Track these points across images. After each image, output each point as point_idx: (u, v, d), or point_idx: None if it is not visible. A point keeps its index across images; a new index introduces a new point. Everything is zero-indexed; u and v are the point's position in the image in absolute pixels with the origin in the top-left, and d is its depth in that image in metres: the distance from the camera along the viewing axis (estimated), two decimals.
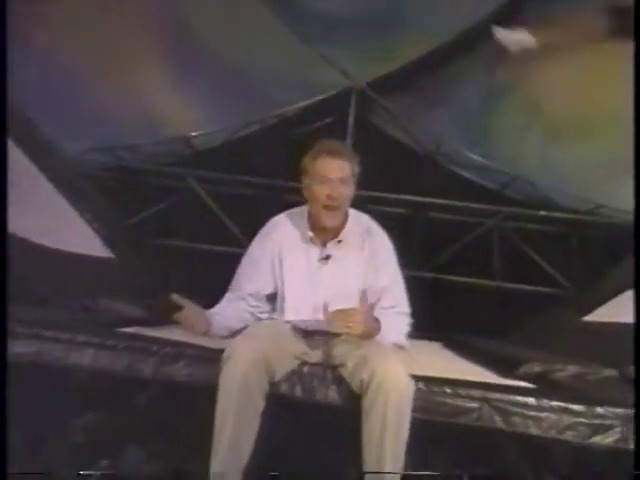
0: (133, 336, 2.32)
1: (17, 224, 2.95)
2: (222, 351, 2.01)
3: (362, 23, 5.52)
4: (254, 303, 2.30)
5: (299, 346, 2.17)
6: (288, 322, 2.25)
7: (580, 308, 3.98)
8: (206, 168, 5.78)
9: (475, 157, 5.83)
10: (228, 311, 2.24)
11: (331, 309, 2.07)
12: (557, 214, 5.70)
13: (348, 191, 2.26)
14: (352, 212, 2.41)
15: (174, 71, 5.66)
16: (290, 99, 5.78)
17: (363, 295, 2.10)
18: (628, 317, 3.21)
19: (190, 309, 2.08)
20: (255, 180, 5.81)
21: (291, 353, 2.11)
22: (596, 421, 1.92)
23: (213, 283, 3.28)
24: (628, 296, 3.53)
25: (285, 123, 5.85)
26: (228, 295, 2.32)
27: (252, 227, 5.73)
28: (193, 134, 5.82)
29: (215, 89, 5.69)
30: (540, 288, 5.51)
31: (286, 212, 2.43)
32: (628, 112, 5.41)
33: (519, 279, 5.59)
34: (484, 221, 5.76)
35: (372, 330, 2.11)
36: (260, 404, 1.94)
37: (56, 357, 2.09)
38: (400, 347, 2.24)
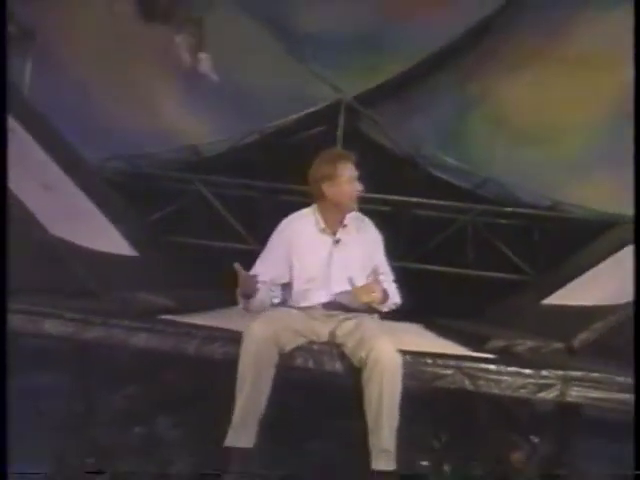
0: (175, 323, 2.56)
1: (59, 228, 3.10)
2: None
3: (349, 44, 5.77)
4: (272, 288, 2.56)
5: (307, 327, 2.45)
6: (300, 309, 2.52)
7: (539, 292, 4.14)
8: (212, 173, 5.94)
9: (451, 160, 5.98)
10: (260, 291, 2.50)
11: (347, 281, 2.45)
12: (522, 210, 5.88)
13: (356, 186, 2.60)
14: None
15: (183, 88, 5.91)
16: (286, 111, 5.92)
17: (375, 272, 2.46)
18: (580, 300, 3.45)
19: (245, 275, 2.37)
20: (256, 183, 5.97)
21: (298, 332, 2.39)
22: (541, 381, 2.21)
23: (219, 275, 3.54)
24: (579, 282, 3.81)
25: (282, 132, 5.96)
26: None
27: (254, 225, 6.02)
28: (200, 143, 5.98)
29: (219, 103, 5.89)
30: (507, 275, 5.69)
31: (296, 213, 2.71)
32: (583, 121, 5.77)
33: (489, 267, 5.74)
34: (459, 217, 5.93)
35: (385, 297, 2.48)
36: (271, 371, 2.23)
37: (121, 339, 2.36)
38: (396, 303, 2.62)
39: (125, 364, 2.96)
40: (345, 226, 2.63)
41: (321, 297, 2.54)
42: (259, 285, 2.45)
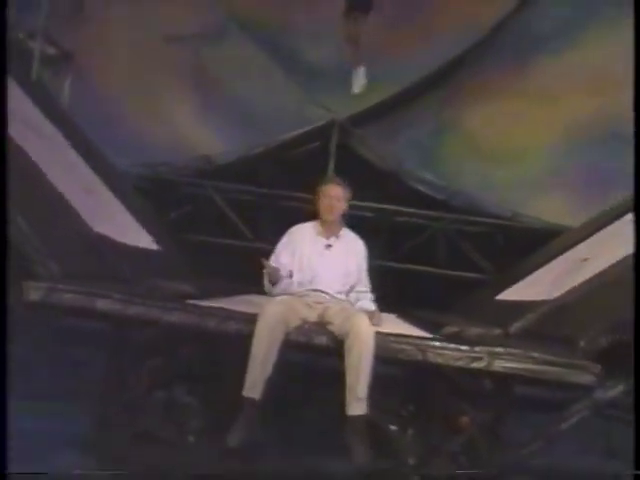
0: (198, 305, 2.82)
1: (100, 226, 3.38)
2: (253, 314, 2.63)
3: (342, 73, 5.99)
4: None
5: (303, 311, 2.79)
6: (299, 296, 2.88)
7: (495, 289, 4.31)
8: (222, 180, 6.06)
9: (427, 175, 6.08)
10: (282, 280, 2.93)
11: (333, 281, 2.86)
12: (486, 220, 6.02)
13: (342, 205, 3.02)
14: (344, 228, 3.16)
15: (199, 106, 6.12)
16: (287, 128, 6.06)
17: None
18: (523, 296, 3.75)
19: (273, 268, 2.85)
20: (259, 190, 6.13)
21: (298, 315, 2.73)
22: (473, 355, 2.49)
23: (225, 267, 3.78)
24: (526, 281, 4.05)
25: (283, 146, 6.06)
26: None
27: (257, 226, 6.27)
28: (212, 154, 6.07)
29: (230, 120, 6.12)
30: (471, 274, 5.81)
31: (304, 223, 3.14)
32: (540, 145, 6.04)
33: (457, 267, 5.89)
34: (432, 224, 6.08)
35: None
36: (279, 343, 2.56)
37: (157, 316, 2.60)
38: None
39: (152, 340, 3.11)
40: (338, 237, 3.04)
41: (310, 287, 2.91)
42: (281, 273, 2.86)
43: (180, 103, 6.08)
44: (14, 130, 3.19)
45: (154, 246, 4.20)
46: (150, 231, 4.38)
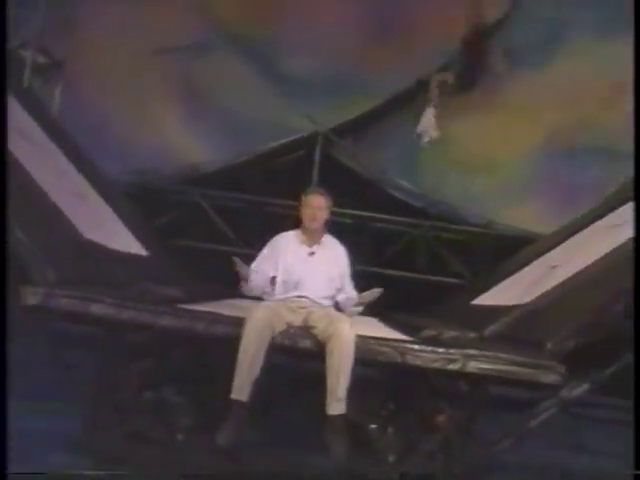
0: (188, 309, 2.89)
1: (90, 232, 3.43)
2: (240, 318, 2.69)
3: (325, 86, 6.13)
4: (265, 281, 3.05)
5: (288, 316, 2.85)
6: (283, 301, 2.94)
7: (470, 294, 4.39)
8: (208, 187, 6.16)
9: (407, 184, 6.26)
10: (255, 277, 3.00)
11: (317, 287, 2.96)
12: (463, 227, 6.17)
13: (324, 214, 3.10)
14: (326, 235, 3.22)
15: (186, 116, 6.19)
16: (272, 138, 6.22)
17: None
18: (497, 301, 3.86)
19: (241, 265, 2.94)
20: (244, 196, 6.21)
21: (283, 320, 2.80)
22: (449, 357, 2.57)
23: (212, 272, 3.82)
24: (499, 287, 4.17)
25: (269, 155, 6.21)
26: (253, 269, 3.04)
27: (242, 231, 6.32)
28: (199, 162, 6.20)
29: (216, 129, 6.20)
30: (449, 279, 5.96)
31: (287, 232, 3.20)
32: (514, 157, 6.22)
33: (435, 273, 6.02)
34: (412, 231, 6.20)
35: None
36: (265, 346, 2.62)
37: (149, 320, 2.66)
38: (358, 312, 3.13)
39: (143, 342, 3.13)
40: (321, 244, 3.12)
41: (295, 293, 2.99)
42: (252, 271, 2.95)
43: (168, 113, 6.15)
44: (11, 139, 3.25)
45: (143, 252, 4.26)
46: (139, 237, 4.44)
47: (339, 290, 3.14)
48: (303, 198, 3.12)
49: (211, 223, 6.10)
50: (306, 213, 3.09)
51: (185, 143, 6.20)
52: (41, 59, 5.41)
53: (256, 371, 2.61)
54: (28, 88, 5.01)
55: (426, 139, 5.92)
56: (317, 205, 3.09)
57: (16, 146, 3.33)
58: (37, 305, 2.41)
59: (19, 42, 5.12)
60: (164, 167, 6.14)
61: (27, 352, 2.83)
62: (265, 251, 3.14)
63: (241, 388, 2.61)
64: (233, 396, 2.61)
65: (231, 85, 6.12)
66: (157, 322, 2.65)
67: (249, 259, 3.17)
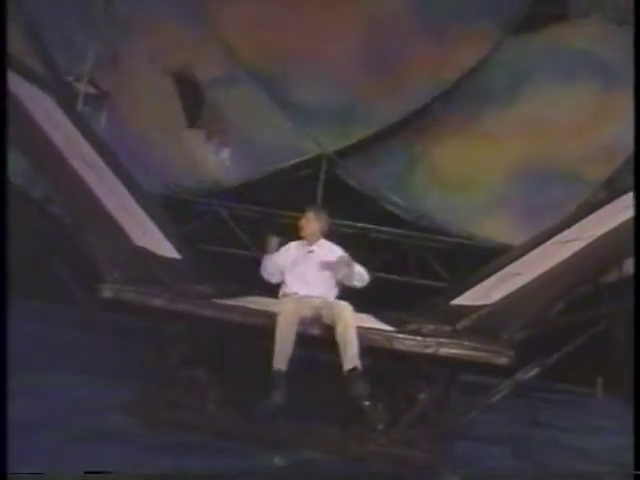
0: (224, 304, 3.23)
1: (139, 239, 3.74)
2: (266, 311, 3.08)
3: (330, 113, 6.45)
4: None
5: (304, 308, 3.21)
6: (298, 297, 3.37)
7: (450, 296, 4.51)
8: (228, 200, 6.41)
9: (399, 200, 6.46)
10: (269, 262, 3.52)
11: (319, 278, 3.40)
12: (446, 238, 6.37)
13: (310, 225, 3.63)
14: (323, 239, 3.72)
15: (209, 139, 6.48)
16: (283, 158, 6.46)
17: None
18: (471, 301, 4.06)
19: (271, 245, 3.51)
20: (259, 208, 6.46)
21: (303, 311, 3.16)
22: (425, 343, 2.95)
23: (231, 271, 4.15)
24: (473, 290, 4.34)
25: (280, 173, 6.45)
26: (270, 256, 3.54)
27: (256, 239, 6.62)
28: (220, 178, 6.47)
29: (236, 150, 6.54)
30: (434, 282, 6.11)
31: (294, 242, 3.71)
32: (491, 177, 6.56)
33: (423, 277, 6.23)
34: (404, 241, 6.40)
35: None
36: (296, 328, 3.01)
37: (197, 311, 3.02)
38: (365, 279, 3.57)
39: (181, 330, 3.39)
40: (319, 245, 3.64)
41: (300, 286, 3.47)
42: (268, 257, 3.49)
43: (195, 136, 6.45)
44: (75, 163, 3.67)
45: (177, 255, 4.54)
46: (173, 243, 4.68)
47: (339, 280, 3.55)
48: (304, 215, 3.67)
49: (230, 231, 6.34)
50: (304, 226, 3.67)
51: (209, 162, 6.48)
52: (91, 90, 5.78)
53: (289, 349, 2.98)
54: (80, 114, 5.32)
55: None
56: (304, 219, 3.64)
57: (79, 168, 3.75)
58: (112, 298, 2.81)
59: (74, 77, 5.53)
60: (191, 182, 6.35)
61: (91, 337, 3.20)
62: (279, 252, 3.64)
63: (281, 360, 2.95)
64: (275, 366, 2.94)
65: (249, 113, 6.42)
66: (202, 313, 3.01)
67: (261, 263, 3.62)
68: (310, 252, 3.65)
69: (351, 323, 3.03)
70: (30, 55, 4.79)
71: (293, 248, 3.68)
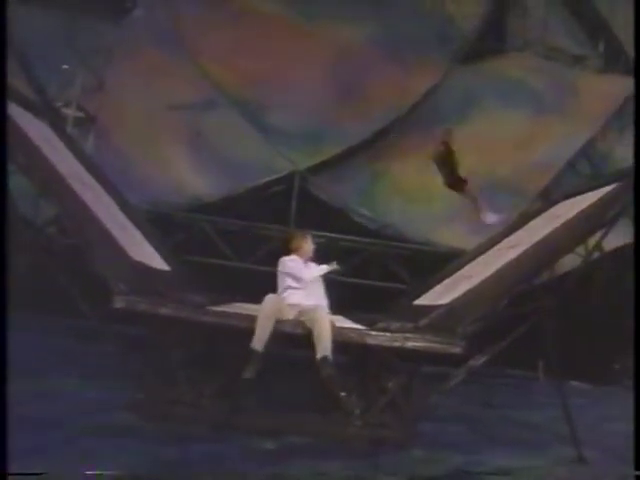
0: (218, 311, 3.46)
1: (135, 253, 3.88)
2: (253, 317, 3.27)
3: (302, 134, 6.67)
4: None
5: (286, 310, 3.48)
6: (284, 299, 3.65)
7: (412, 297, 4.69)
8: (210, 214, 6.48)
9: (365, 211, 6.77)
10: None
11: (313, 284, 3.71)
12: (408, 245, 6.63)
13: (311, 246, 3.99)
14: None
15: (192, 158, 6.63)
16: (259, 175, 6.66)
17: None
18: (430, 301, 4.30)
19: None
20: (238, 222, 6.57)
21: (284, 311, 3.43)
22: (394, 338, 3.16)
23: (214, 281, 4.28)
24: (432, 291, 4.60)
25: (256, 189, 6.64)
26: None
27: (237, 249, 6.83)
28: (202, 194, 6.57)
29: (216, 168, 6.65)
30: (397, 285, 6.28)
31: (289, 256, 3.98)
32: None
33: (387, 280, 6.42)
34: (369, 248, 6.62)
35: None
36: (274, 320, 3.26)
37: (196, 317, 3.18)
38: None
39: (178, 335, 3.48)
40: (312, 260, 3.96)
41: (294, 293, 3.74)
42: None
43: (178, 156, 6.57)
44: (73, 182, 3.79)
45: (166, 267, 4.65)
46: (162, 255, 4.79)
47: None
48: (296, 241, 4.01)
49: (212, 243, 6.40)
50: (296, 249, 4.00)
51: (191, 179, 6.57)
52: (79, 114, 5.88)
53: (268, 332, 3.21)
54: (71, 137, 5.35)
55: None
56: (303, 240, 4.01)
57: (77, 187, 3.88)
58: (124, 307, 2.98)
59: (63, 102, 5.64)
60: (175, 198, 6.46)
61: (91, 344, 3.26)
62: (287, 266, 3.90)
63: (259, 341, 3.18)
64: (252, 346, 3.15)
65: (228, 134, 6.59)
66: (203, 320, 3.19)
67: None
68: (305, 263, 3.93)
69: (325, 322, 3.28)
70: (23, 84, 4.83)
71: (291, 262, 3.90)
